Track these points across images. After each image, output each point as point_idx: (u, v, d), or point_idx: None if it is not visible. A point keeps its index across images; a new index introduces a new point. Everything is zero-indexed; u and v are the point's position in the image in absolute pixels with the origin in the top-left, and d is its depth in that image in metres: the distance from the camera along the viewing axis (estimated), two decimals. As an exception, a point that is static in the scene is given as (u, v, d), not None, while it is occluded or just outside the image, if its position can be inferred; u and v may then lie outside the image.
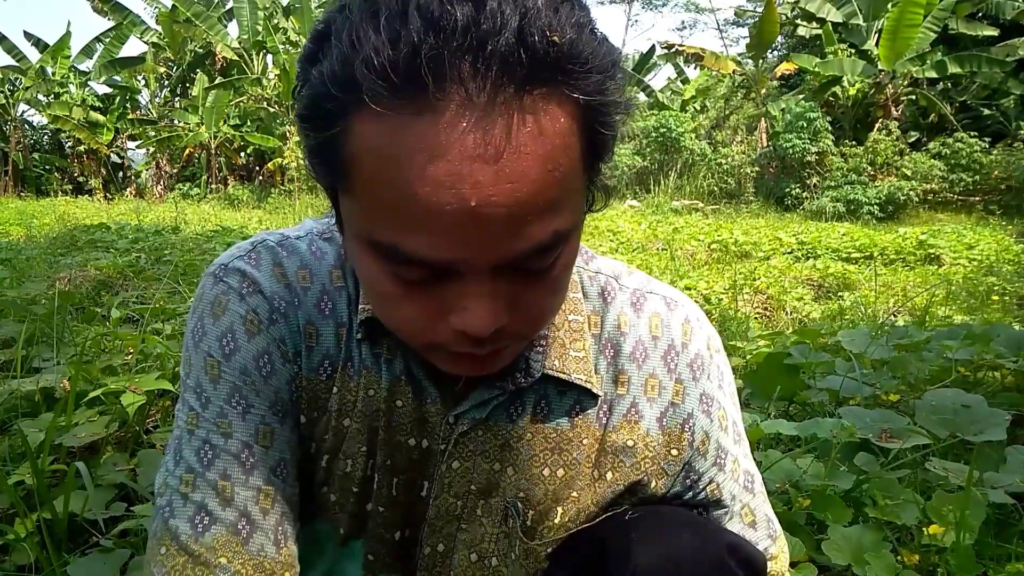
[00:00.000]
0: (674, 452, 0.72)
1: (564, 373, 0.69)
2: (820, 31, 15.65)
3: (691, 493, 0.74)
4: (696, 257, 7.83)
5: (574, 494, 0.71)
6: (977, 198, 14.06)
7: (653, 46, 21.38)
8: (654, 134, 16.87)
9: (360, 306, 0.67)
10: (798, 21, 17.24)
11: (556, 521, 0.71)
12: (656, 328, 0.72)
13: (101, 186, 19.06)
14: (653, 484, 0.73)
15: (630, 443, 0.71)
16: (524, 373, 0.68)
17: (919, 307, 4.77)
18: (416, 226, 0.49)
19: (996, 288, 5.51)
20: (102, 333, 2.60)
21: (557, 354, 0.69)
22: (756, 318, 4.90)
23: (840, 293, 5.87)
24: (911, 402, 1.97)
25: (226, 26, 18.30)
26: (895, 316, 4.43)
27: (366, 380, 0.69)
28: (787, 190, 15.09)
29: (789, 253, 8.03)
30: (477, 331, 0.53)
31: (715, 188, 16.19)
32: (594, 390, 0.70)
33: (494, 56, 0.45)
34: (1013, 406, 1.94)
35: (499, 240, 0.49)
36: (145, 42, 19.17)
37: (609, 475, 0.71)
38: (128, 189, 19.61)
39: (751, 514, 0.75)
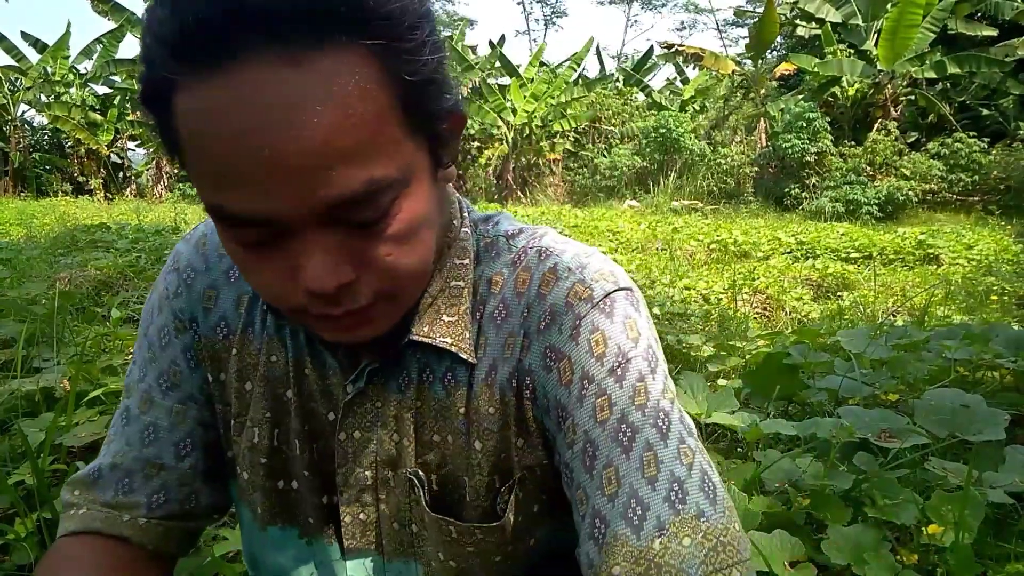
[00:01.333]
0: (525, 414, 0.65)
1: (429, 337, 0.66)
2: (819, 31, 15.66)
3: (555, 457, 0.65)
4: (695, 257, 7.84)
5: (472, 460, 0.67)
6: (976, 198, 14.07)
7: (652, 46, 21.41)
8: (653, 134, 16.88)
9: None
10: (797, 21, 17.25)
11: (465, 492, 0.68)
12: (523, 284, 0.66)
13: (101, 186, 19.03)
14: (522, 444, 0.66)
15: (491, 410, 0.66)
16: (393, 341, 0.67)
17: (918, 307, 4.78)
18: (227, 183, 0.51)
19: (995, 288, 5.51)
20: (102, 333, 2.61)
21: (429, 319, 0.66)
22: (755, 318, 4.91)
23: (839, 293, 5.88)
24: (910, 402, 1.97)
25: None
26: (894, 316, 4.44)
27: (268, 346, 0.72)
28: (786, 190, 15.10)
29: (788, 253, 8.04)
30: (317, 287, 0.54)
31: (714, 188, 16.20)
32: (461, 354, 0.66)
33: (274, 13, 0.47)
34: (1012, 406, 1.94)
35: (305, 188, 0.50)
36: (145, 42, 19.14)
37: (478, 444, 0.67)
38: (128, 189, 19.60)
39: (614, 483, 0.57)
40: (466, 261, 0.68)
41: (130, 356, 2.39)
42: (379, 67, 0.51)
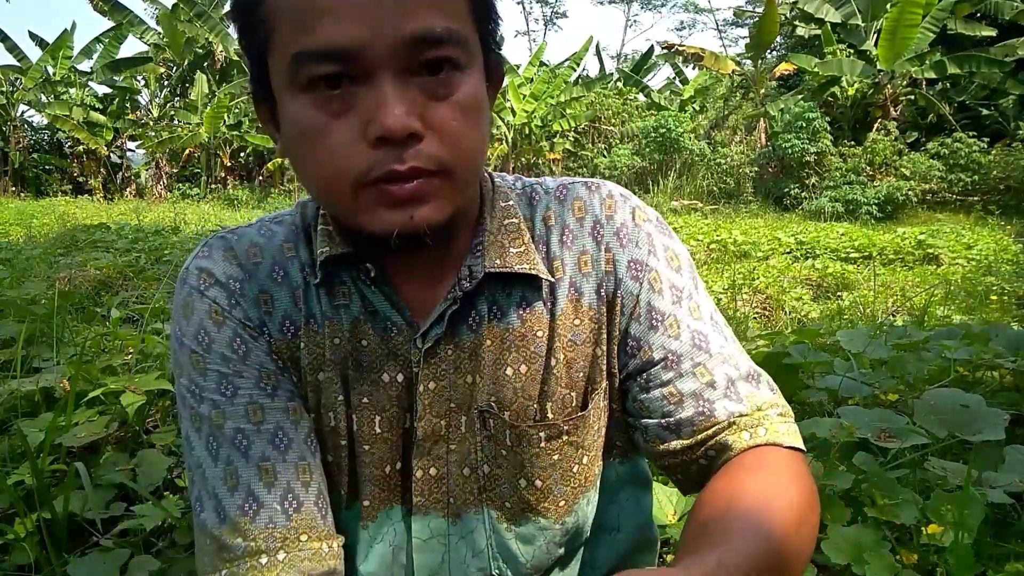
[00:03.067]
0: (614, 319, 0.74)
1: (506, 267, 0.71)
2: (819, 32, 15.66)
3: (635, 360, 0.74)
4: (695, 257, 7.83)
5: (543, 387, 0.73)
6: (976, 198, 14.07)
7: (652, 46, 21.41)
8: (653, 134, 16.88)
9: (320, 250, 0.72)
10: (797, 22, 17.25)
11: (536, 417, 0.74)
12: (580, 211, 0.76)
13: (101, 186, 19.04)
14: (609, 351, 0.75)
15: (577, 322, 0.74)
16: (468, 278, 0.71)
17: (918, 307, 4.78)
18: (323, 13, 0.57)
19: (995, 288, 5.52)
20: (102, 333, 2.61)
21: (496, 254, 0.72)
22: (755, 318, 4.91)
23: (839, 293, 5.88)
24: (910, 402, 1.97)
25: (228, 27, 18.30)
26: (894, 316, 4.44)
27: (330, 330, 0.73)
28: (786, 190, 15.10)
29: (788, 253, 8.04)
30: (391, 125, 0.58)
31: (714, 188, 16.20)
32: (540, 275, 0.72)
33: None
34: (1012, 406, 1.94)
35: (396, 16, 0.57)
36: (145, 42, 19.16)
37: (561, 355, 0.73)
38: (128, 189, 19.61)
39: (707, 373, 0.71)
40: (511, 202, 0.75)
41: (129, 356, 2.38)
42: None
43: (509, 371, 0.73)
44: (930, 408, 1.73)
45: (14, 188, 18.71)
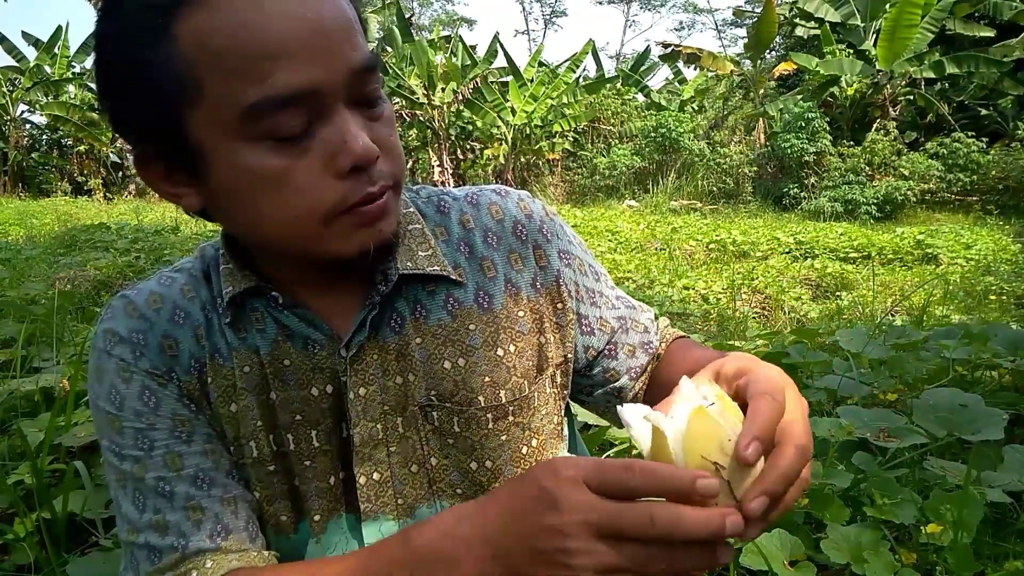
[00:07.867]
0: (559, 306, 0.81)
1: (418, 269, 0.74)
2: (818, 31, 15.66)
3: (595, 338, 0.83)
4: (694, 257, 7.84)
5: (486, 378, 0.76)
6: (974, 198, 14.07)
7: (648, 47, 21.42)
8: (652, 134, 16.87)
9: (224, 290, 0.72)
10: (796, 21, 17.24)
11: (483, 403, 0.76)
12: (497, 214, 0.81)
13: (101, 186, 19.02)
14: (553, 339, 0.80)
15: (520, 314, 0.78)
16: (383, 282, 0.73)
17: (917, 306, 4.78)
18: (277, 58, 0.57)
19: (993, 288, 5.52)
20: (101, 333, 2.60)
21: (407, 257, 0.74)
22: (754, 318, 4.91)
23: (838, 293, 5.88)
24: (909, 401, 1.98)
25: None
26: (893, 315, 4.44)
27: (239, 360, 0.73)
28: (785, 190, 15.10)
29: (787, 253, 8.05)
30: (363, 153, 0.61)
31: (713, 188, 16.20)
32: (452, 276, 0.76)
33: None
34: (1010, 405, 1.95)
35: (340, 50, 0.60)
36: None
37: (512, 347, 0.77)
38: (128, 189, 19.59)
39: (637, 323, 0.87)
40: (411, 210, 0.79)
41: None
42: None
43: (447, 364, 0.75)
44: (929, 408, 1.73)
45: (14, 188, 18.70)
